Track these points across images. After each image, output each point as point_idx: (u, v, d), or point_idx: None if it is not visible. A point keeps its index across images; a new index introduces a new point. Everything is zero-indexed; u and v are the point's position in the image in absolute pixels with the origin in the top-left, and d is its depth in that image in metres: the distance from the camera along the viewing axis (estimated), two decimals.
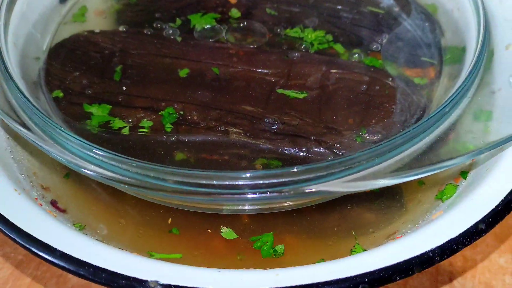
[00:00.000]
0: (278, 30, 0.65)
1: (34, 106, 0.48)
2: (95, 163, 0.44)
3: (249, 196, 0.42)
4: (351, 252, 0.48)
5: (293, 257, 0.49)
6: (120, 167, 0.43)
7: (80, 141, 0.45)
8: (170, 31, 0.65)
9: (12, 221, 0.42)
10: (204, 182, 0.42)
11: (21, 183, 0.51)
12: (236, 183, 0.42)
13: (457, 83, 0.52)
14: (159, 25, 0.66)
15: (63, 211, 0.52)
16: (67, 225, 0.47)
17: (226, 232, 0.48)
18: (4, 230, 0.41)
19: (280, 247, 0.49)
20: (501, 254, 0.62)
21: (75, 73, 0.60)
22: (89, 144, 0.45)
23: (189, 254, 0.47)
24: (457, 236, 0.40)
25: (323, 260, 0.47)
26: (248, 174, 0.42)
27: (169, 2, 0.69)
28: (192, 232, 0.49)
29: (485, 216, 0.41)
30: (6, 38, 0.58)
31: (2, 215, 0.41)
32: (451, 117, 0.49)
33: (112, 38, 0.64)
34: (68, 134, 0.46)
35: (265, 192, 0.42)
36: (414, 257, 0.39)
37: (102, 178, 0.44)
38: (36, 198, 0.50)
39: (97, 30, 0.65)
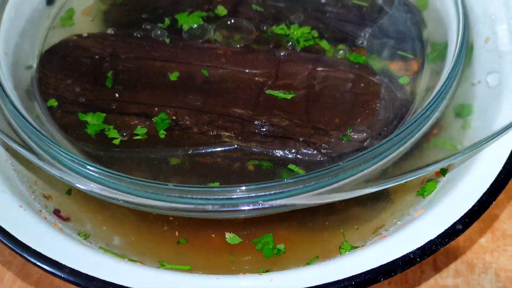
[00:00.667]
0: (265, 27, 0.67)
1: (34, 127, 0.50)
2: (96, 180, 0.47)
3: (244, 208, 0.45)
4: (339, 249, 0.51)
5: (291, 254, 0.52)
6: (118, 185, 0.45)
7: (78, 160, 0.47)
8: (158, 32, 0.66)
9: (21, 240, 0.44)
10: (200, 197, 0.45)
11: (24, 195, 0.53)
12: (231, 196, 0.44)
13: (437, 85, 0.54)
14: (147, 27, 0.66)
15: (67, 219, 0.54)
16: (72, 237, 0.50)
17: (231, 237, 0.52)
18: (14, 248, 0.44)
19: (281, 246, 0.52)
20: (482, 234, 0.65)
21: (67, 80, 0.62)
22: (86, 163, 0.47)
23: (199, 261, 0.50)
24: (436, 237, 0.43)
25: (317, 257, 0.50)
26: (243, 188, 0.45)
27: (154, 0, 0.70)
28: (198, 239, 0.52)
29: (462, 217, 0.44)
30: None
31: (12, 235, 0.44)
32: (432, 119, 0.51)
33: (101, 42, 0.65)
34: (67, 154, 0.48)
35: (258, 203, 0.45)
36: (397, 259, 0.42)
37: (102, 196, 0.47)
38: (40, 211, 0.52)
39: (85, 34, 0.66)
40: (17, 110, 0.52)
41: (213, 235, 0.53)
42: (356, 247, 0.51)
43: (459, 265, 0.64)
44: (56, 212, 0.55)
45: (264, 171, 0.55)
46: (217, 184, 0.53)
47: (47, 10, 0.69)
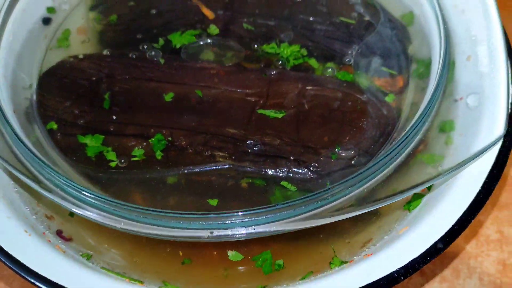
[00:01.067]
0: (256, 46, 0.69)
1: (35, 155, 0.52)
2: (98, 207, 0.49)
3: (238, 233, 0.48)
4: (330, 264, 0.54)
5: (288, 268, 0.55)
6: (120, 213, 0.48)
7: (78, 188, 0.49)
8: (153, 53, 0.68)
9: (28, 266, 0.47)
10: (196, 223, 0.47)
11: (28, 218, 0.56)
12: (226, 222, 0.47)
13: (421, 106, 0.57)
14: (141, 47, 0.68)
15: (69, 239, 0.57)
16: (75, 258, 0.52)
17: (233, 255, 0.54)
18: (22, 274, 0.47)
19: (280, 261, 0.55)
20: (467, 240, 0.69)
21: (66, 103, 0.64)
22: (87, 191, 0.49)
23: (201, 279, 0.53)
24: (418, 256, 0.46)
25: (311, 272, 0.53)
26: (239, 213, 0.47)
27: (148, 20, 0.71)
28: (201, 257, 0.55)
29: (443, 236, 0.47)
30: None
31: (20, 261, 0.47)
32: (417, 138, 0.54)
33: (98, 63, 0.67)
34: (68, 182, 0.50)
35: (252, 227, 0.48)
36: (382, 277, 0.45)
37: (105, 224, 0.50)
38: (44, 233, 0.55)
39: (81, 55, 0.68)
40: (19, 138, 0.54)
41: (215, 253, 0.55)
42: (345, 262, 0.54)
43: (445, 271, 0.67)
44: (59, 233, 0.57)
45: (257, 188, 0.58)
46: (216, 201, 0.56)
47: (44, 31, 0.71)
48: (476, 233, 0.69)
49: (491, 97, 0.54)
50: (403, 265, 0.46)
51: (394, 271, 0.46)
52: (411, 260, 0.46)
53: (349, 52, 0.67)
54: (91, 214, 0.49)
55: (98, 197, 0.49)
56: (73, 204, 0.50)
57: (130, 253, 0.56)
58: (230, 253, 0.55)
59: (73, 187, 0.50)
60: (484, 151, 0.51)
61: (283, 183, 0.58)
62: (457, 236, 0.48)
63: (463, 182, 0.52)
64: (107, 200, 0.49)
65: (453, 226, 0.47)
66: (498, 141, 0.52)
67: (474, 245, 0.69)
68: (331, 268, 0.53)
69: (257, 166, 0.58)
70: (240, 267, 0.55)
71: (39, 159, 0.52)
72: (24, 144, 0.53)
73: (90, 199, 0.50)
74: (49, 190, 0.51)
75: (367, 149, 0.59)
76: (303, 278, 0.53)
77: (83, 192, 0.50)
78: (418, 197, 0.57)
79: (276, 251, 0.56)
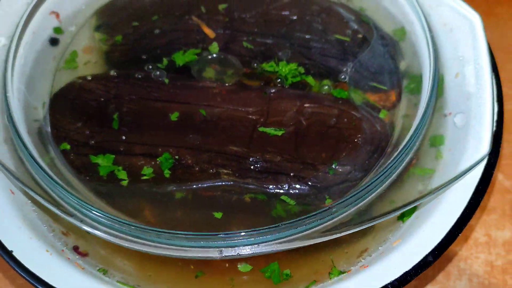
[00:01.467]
0: (255, 65, 0.72)
1: (54, 179, 0.56)
2: (113, 228, 0.53)
3: (243, 252, 0.52)
4: (329, 275, 0.58)
5: (294, 278, 0.59)
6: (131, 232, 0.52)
7: (95, 211, 0.53)
8: (158, 73, 0.71)
9: (51, 284, 0.51)
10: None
11: (47, 237, 0.59)
12: (232, 241, 0.51)
13: (414, 123, 0.61)
14: (146, 67, 0.72)
15: (85, 255, 0.61)
16: (93, 274, 0.56)
17: (242, 266, 0.58)
18: None
19: (287, 271, 0.59)
20: (457, 243, 0.73)
21: (77, 123, 0.67)
22: (103, 214, 0.53)
23: None
24: (410, 269, 0.51)
25: (314, 281, 0.58)
26: (242, 233, 0.51)
27: (152, 40, 0.74)
28: (212, 270, 0.59)
29: (433, 249, 0.52)
30: (13, 103, 0.64)
31: (44, 281, 0.50)
32: (409, 156, 0.58)
33: (105, 84, 0.70)
34: (86, 205, 0.54)
35: (257, 244, 0.52)
36: None
37: (120, 244, 0.54)
38: (63, 250, 0.59)
39: (89, 77, 0.71)
40: (37, 163, 0.57)
41: (223, 264, 0.59)
42: (343, 272, 0.58)
43: (437, 273, 0.71)
44: (75, 249, 0.61)
45: (259, 203, 0.62)
46: (220, 214, 0.60)
47: (52, 52, 0.74)
48: (465, 236, 0.73)
49: (477, 117, 0.58)
50: (396, 277, 0.50)
51: (388, 283, 0.50)
52: (404, 273, 0.50)
53: (344, 69, 0.71)
54: (107, 236, 0.53)
55: (114, 219, 0.53)
56: (91, 226, 0.54)
57: (144, 267, 0.60)
58: (240, 264, 0.59)
59: (90, 210, 0.53)
60: (471, 169, 0.55)
61: (283, 197, 0.62)
62: (446, 249, 0.52)
63: (451, 197, 0.56)
64: (123, 222, 0.53)
65: (442, 240, 0.52)
66: (483, 159, 0.56)
67: (464, 248, 0.73)
68: (330, 278, 0.58)
69: (259, 182, 0.62)
70: (249, 277, 0.59)
71: (59, 184, 0.56)
72: (42, 169, 0.57)
73: (107, 222, 0.54)
74: (69, 214, 0.54)
75: (363, 164, 0.63)
76: (307, 287, 0.57)
77: (100, 215, 0.53)
78: (411, 209, 0.61)
79: (283, 261, 0.60)
